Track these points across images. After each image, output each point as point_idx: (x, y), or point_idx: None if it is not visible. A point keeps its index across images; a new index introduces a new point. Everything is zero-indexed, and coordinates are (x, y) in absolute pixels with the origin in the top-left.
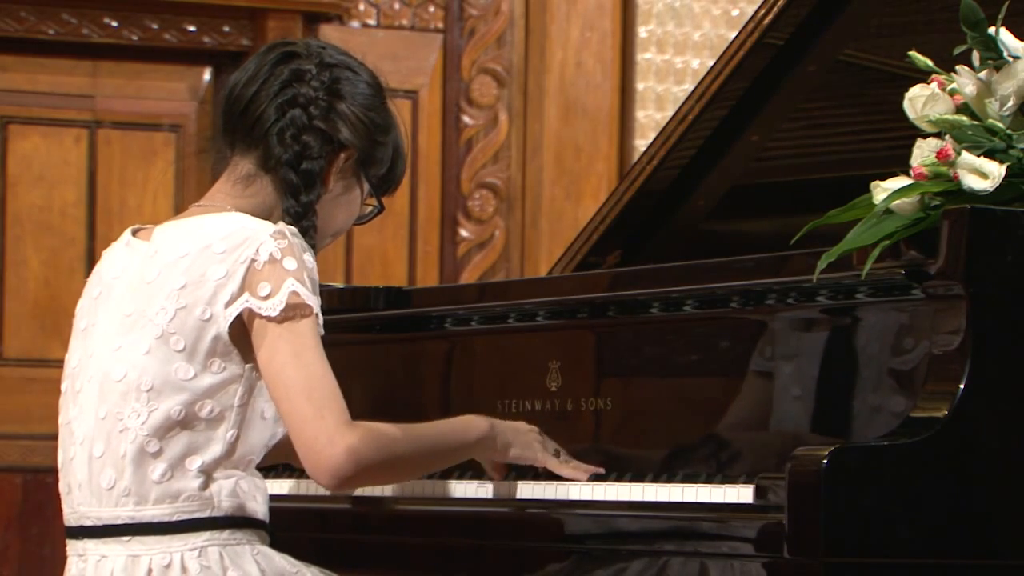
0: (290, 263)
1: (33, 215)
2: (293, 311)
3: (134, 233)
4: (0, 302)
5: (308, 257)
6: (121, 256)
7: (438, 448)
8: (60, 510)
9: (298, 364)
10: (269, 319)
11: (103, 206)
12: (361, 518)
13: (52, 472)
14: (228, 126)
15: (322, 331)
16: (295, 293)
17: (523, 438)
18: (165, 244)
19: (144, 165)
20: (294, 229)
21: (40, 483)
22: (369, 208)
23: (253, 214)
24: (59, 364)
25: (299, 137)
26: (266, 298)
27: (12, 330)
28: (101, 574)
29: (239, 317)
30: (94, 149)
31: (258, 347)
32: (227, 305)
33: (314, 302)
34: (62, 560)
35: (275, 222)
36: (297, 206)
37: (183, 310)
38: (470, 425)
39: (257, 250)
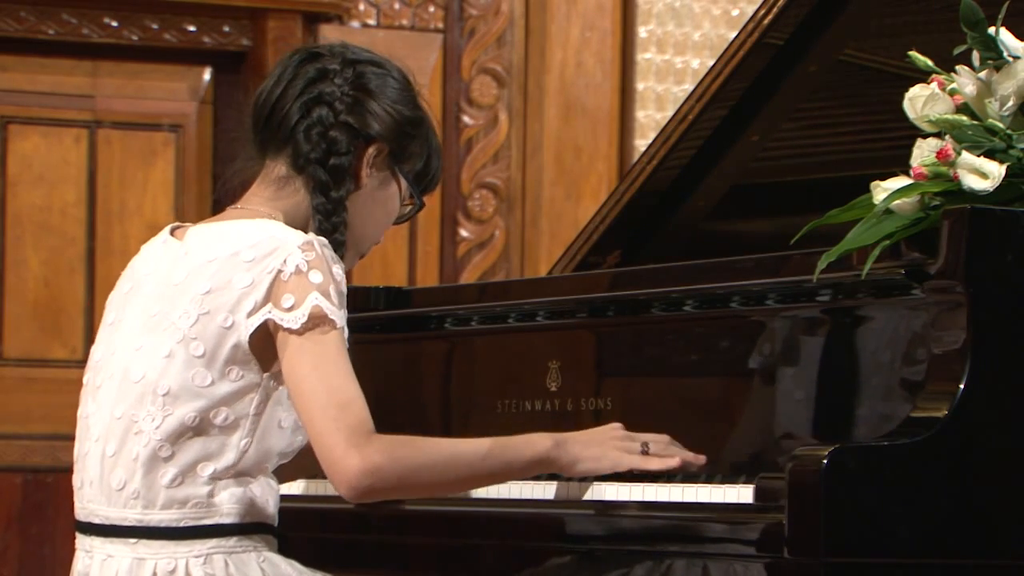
0: (316, 276)
1: (33, 215)
2: (315, 324)
3: (172, 231)
4: (0, 302)
5: (337, 269)
6: (156, 253)
7: (477, 467)
8: (60, 510)
9: (318, 375)
10: (291, 331)
11: (103, 206)
12: (361, 518)
13: (52, 472)
14: (257, 131)
15: (346, 345)
16: (318, 307)
17: (593, 451)
18: (196, 246)
19: (144, 165)
20: (324, 240)
21: (40, 483)
22: (408, 207)
23: (290, 216)
24: (59, 364)
25: (326, 134)
26: (289, 310)
27: (12, 330)
28: (107, 573)
29: (262, 327)
30: (94, 149)
31: (282, 358)
32: (250, 314)
33: (338, 316)
34: (62, 560)
35: (310, 223)
36: (327, 202)
37: (205, 315)
38: (528, 444)
39: (285, 261)
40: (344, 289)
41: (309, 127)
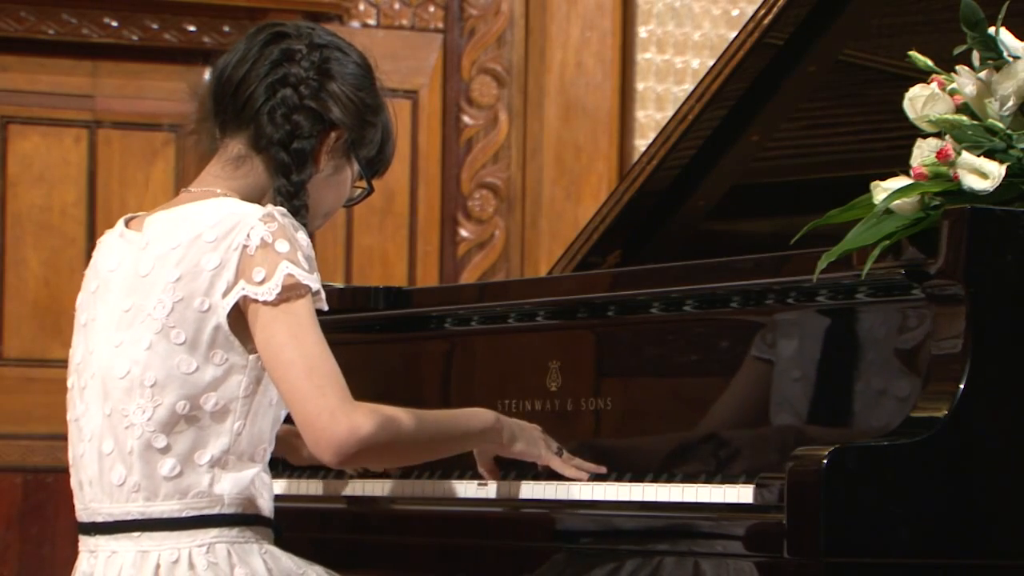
0: (282, 245)
1: (33, 215)
2: (289, 293)
3: (127, 223)
4: (0, 302)
5: (301, 235)
6: (116, 248)
7: (443, 434)
8: (60, 510)
9: (296, 344)
10: (265, 303)
11: (103, 206)
12: (361, 518)
13: (52, 472)
14: (218, 108)
15: (325, 307)
16: (290, 275)
17: (528, 434)
18: (156, 236)
19: (144, 165)
20: (283, 210)
21: (40, 483)
22: (359, 190)
23: (245, 195)
24: (59, 364)
25: (290, 116)
26: (261, 283)
27: (12, 330)
28: (111, 570)
29: (237, 305)
30: (94, 149)
31: (255, 330)
32: (224, 294)
33: (311, 280)
34: (62, 560)
35: (267, 203)
36: (289, 185)
37: (180, 303)
38: (477, 416)
39: (248, 235)
40: (311, 253)
41: (274, 108)
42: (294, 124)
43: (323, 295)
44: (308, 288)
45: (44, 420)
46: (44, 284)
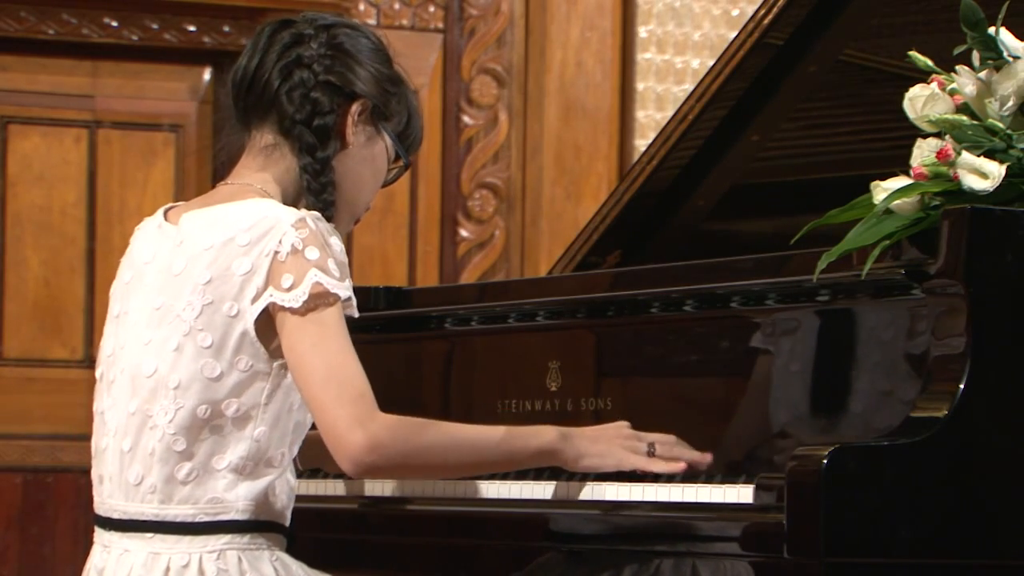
0: (312, 252)
1: (33, 215)
2: (316, 301)
3: (166, 214)
4: (0, 302)
5: (334, 241)
6: (153, 239)
7: (483, 452)
8: (60, 510)
9: (319, 351)
10: (293, 310)
11: (103, 206)
12: (361, 518)
13: (52, 472)
14: (239, 104)
15: (356, 313)
16: (318, 283)
17: (599, 447)
18: (191, 234)
19: (144, 165)
20: (317, 214)
21: (40, 483)
22: (395, 168)
23: (280, 181)
24: (59, 364)
25: (308, 95)
26: (289, 289)
27: (12, 330)
28: (122, 568)
29: (264, 312)
30: (94, 149)
31: (281, 336)
32: (253, 300)
33: (340, 288)
34: (62, 560)
35: (299, 191)
36: (314, 162)
37: (209, 306)
38: (534, 435)
39: (280, 241)
40: (344, 259)
41: (291, 89)
42: (313, 102)
43: (354, 302)
44: (337, 296)
45: (44, 420)
46: (44, 284)
